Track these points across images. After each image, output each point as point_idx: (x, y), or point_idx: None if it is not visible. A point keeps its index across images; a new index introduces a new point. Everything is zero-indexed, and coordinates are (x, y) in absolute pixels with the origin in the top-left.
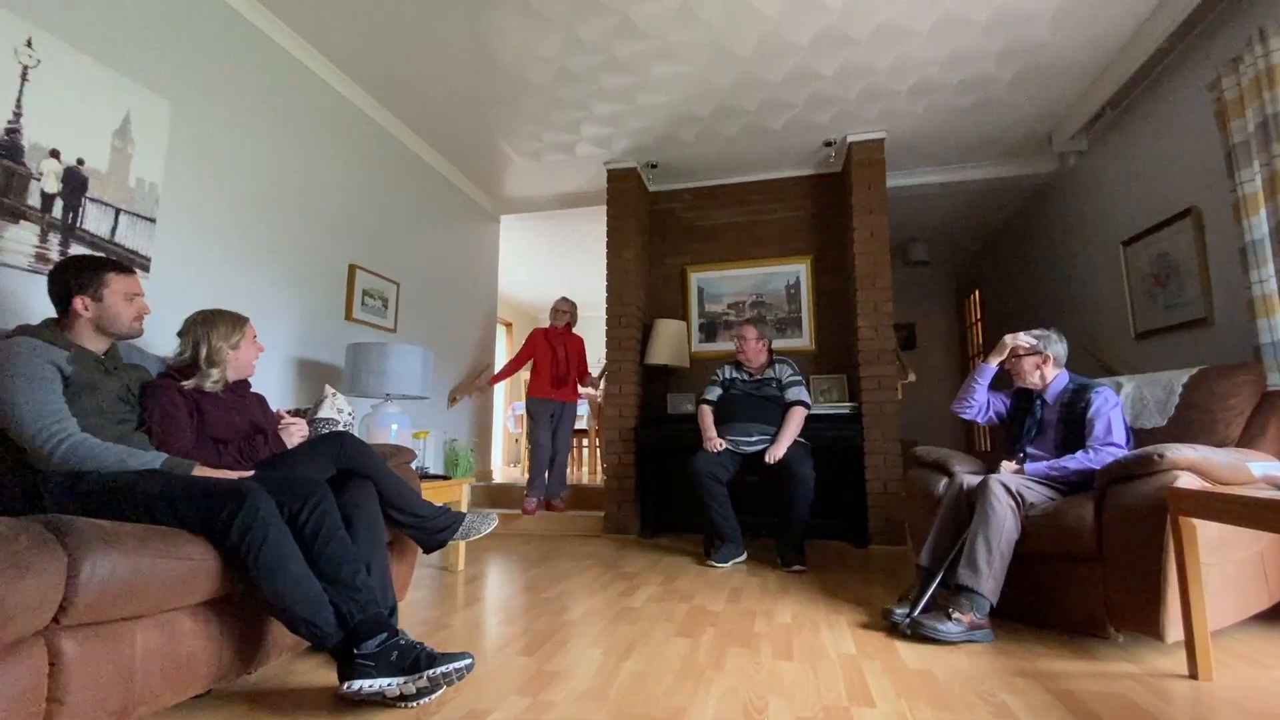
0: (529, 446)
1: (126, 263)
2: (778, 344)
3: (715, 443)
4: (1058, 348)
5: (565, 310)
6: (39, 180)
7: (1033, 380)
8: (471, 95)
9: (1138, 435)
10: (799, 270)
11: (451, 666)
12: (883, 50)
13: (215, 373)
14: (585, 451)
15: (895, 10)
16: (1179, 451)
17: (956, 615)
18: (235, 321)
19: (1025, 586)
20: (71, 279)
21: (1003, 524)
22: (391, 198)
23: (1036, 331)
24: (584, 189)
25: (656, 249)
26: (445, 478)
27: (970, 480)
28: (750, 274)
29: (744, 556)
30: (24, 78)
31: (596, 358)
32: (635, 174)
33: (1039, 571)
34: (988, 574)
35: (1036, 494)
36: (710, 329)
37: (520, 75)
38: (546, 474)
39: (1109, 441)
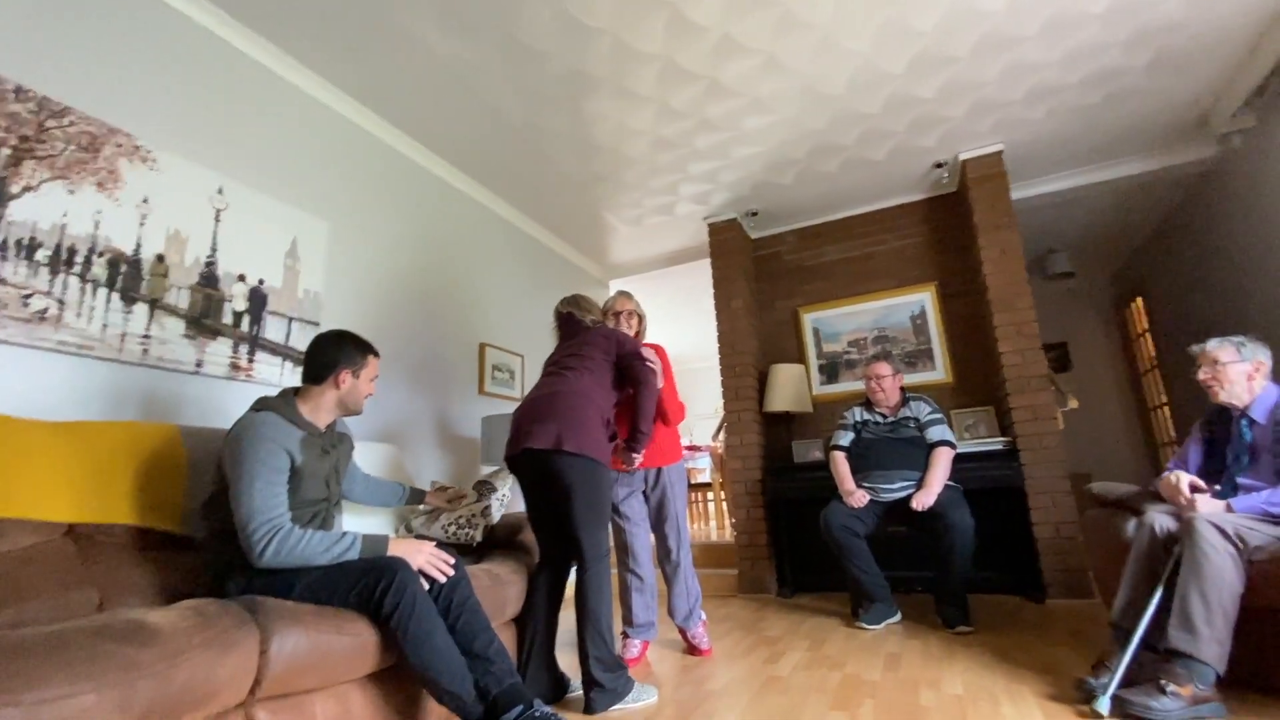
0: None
1: (376, 348)
2: (909, 379)
3: (857, 496)
4: (1263, 353)
5: (631, 309)
6: (230, 301)
7: (1236, 392)
8: (576, 176)
9: None
10: (923, 299)
11: None
12: (988, 62)
13: None
14: (711, 505)
15: (996, 21)
16: None
17: (1173, 688)
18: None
19: (1259, 647)
20: (345, 354)
21: (1221, 575)
22: (512, 278)
23: (1235, 338)
24: (686, 245)
25: (765, 295)
26: None
27: (1164, 521)
28: (868, 308)
29: (898, 617)
30: (217, 219)
31: (714, 408)
32: (736, 224)
33: (1275, 629)
34: (1209, 636)
35: (1260, 534)
36: (831, 370)
37: (618, 150)
38: (651, 594)
39: None
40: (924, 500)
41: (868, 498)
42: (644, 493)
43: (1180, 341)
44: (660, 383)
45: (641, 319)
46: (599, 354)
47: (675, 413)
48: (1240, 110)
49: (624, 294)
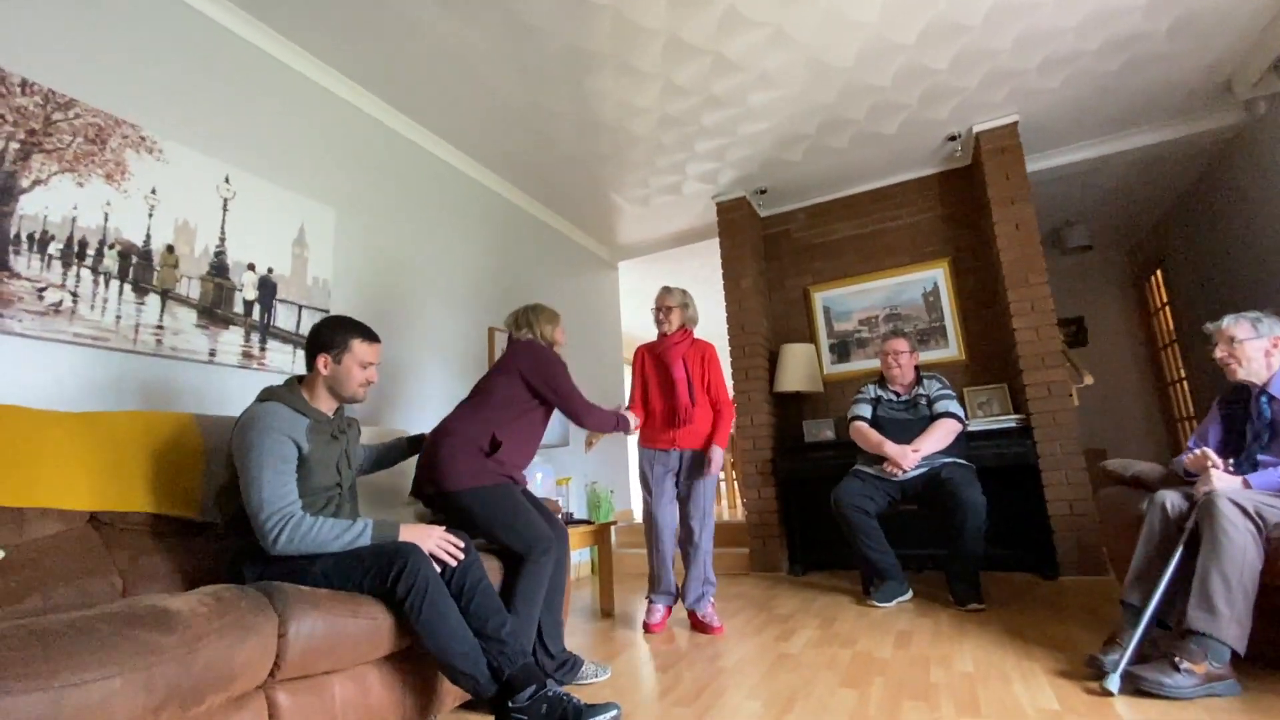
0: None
1: (374, 333)
2: (923, 357)
3: (910, 456)
4: None
5: (670, 305)
6: (240, 291)
7: (1254, 369)
8: (581, 156)
9: None
10: (936, 275)
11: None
12: (1002, 30)
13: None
14: (722, 485)
15: None
16: None
17: (1186, 665)
18: (554, 315)
19: (1276, 625)
20: (324, 337)
21: (1242, 553)
22: (520, 262)
23: (1251, 314)
24: (695, 225)
25: (775, 274)
26: (589, 522)
27: (1175, 498)
28: (880, 286)
29: (909, 594)
30: (225, 209)
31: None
32: (745, 202)
33: None
34: (1229, 616)
35: (1278, 511)
36: (842, 349)
37: (623, 129)
38: (674, 566)
39: None
40: (903, 459)
41: (917, 450)
42: (676, 473)
43: (1201, 315)
44: (562, 389)
45: (679, 310)
46: (502, 378)
47: (726, 408)
48: (1266, 74)
49: (664, 289)
